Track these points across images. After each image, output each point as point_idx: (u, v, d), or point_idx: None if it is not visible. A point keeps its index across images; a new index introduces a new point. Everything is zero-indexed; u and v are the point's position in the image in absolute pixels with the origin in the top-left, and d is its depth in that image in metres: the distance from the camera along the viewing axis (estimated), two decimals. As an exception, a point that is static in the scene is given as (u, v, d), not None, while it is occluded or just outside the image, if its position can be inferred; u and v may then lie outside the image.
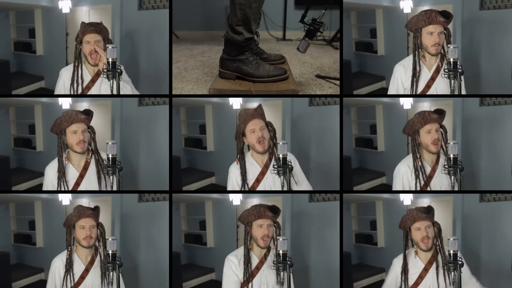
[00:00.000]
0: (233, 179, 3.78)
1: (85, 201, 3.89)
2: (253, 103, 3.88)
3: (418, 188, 3.76)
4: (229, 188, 3.81)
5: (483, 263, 3.97)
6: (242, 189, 3.77)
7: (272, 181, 3.76)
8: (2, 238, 4.12)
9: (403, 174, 3.77)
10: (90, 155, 3.77)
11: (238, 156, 3.76)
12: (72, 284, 3.70)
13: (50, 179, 3.79)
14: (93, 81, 3.84)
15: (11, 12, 4.14)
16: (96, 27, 3.81)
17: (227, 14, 4.07)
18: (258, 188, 3.77)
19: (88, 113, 3.78)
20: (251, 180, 3.77)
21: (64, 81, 3.85)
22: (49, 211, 4.07)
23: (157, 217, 3.97)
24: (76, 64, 3.83)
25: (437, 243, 3.70)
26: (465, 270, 3.72)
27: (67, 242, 3.73)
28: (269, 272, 3.71)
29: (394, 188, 3.82)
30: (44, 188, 3.82)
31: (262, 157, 3.77)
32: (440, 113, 3.74)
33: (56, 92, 3.88)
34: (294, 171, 3.77)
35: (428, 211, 3.69)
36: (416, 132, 3.73)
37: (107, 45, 3.78)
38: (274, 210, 3.70)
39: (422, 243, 3.69)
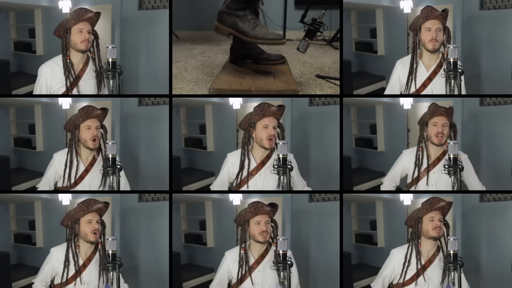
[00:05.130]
0: (228, 167, 3.79)
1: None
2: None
3: (411, 178, 3.80)
4: (220, 174, 3.81)
5: (483, 263, 3.96)
6: (236, 180, 3.75)
7: (265, 180, 3.75)
8: (2, 238, 4.12)
9: (404, 158, 3.84)
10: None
11: (244, 145, 3.75)
12: (68, 278, 3.69)
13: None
14: (82, 70, 3.81)
15: (11, 12, 4.14)
16: (93, 17, 3.77)
17: None
18: (249, 183, 3.76)
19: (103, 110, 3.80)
20: (244, 173, 3.76)
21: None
22: (49, 211, 4.07)
23: (157, 217, 3.97)
24: (67, 54, 3.78)
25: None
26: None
27: (68, 236, 3.70)
28: (265, 273, 3.70)
29: (390, 169, 3.86)
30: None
31: (261, 153, 3.76)
32: (446, 107, 3.76)
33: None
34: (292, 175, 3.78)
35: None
36: (425, 123, 3.78)
37: (106, 45, 3.78)
38: (271, 205, 3.71)
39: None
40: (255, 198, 3.85)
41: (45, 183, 3.83)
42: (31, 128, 4.17)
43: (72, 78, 3.78)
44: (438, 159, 3.77)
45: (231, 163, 3.79)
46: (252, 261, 3.70)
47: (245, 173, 3.75)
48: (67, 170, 3.78)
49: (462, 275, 3.72)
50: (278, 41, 4.00)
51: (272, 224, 3.71)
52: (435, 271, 3.70)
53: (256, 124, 3.73)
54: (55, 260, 3.72)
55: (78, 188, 3.82)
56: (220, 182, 3.82)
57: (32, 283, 3.82)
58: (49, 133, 4.13)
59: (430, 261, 3.71)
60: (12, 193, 4.04)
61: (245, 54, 4.22)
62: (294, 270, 3.73)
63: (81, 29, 3.75)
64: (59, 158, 3.81)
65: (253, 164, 3.76)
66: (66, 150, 3.81)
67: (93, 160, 3.79)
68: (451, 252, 3.69)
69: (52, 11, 4.05)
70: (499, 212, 3.95)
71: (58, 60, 3.82)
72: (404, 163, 3.84)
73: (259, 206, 3.68)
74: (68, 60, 3.78)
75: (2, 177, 4.02)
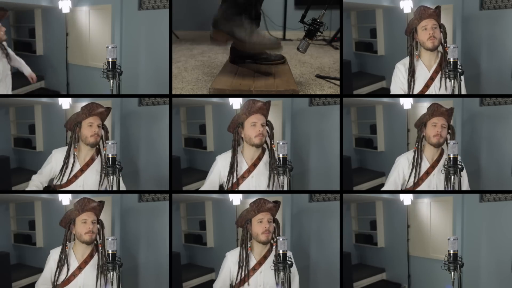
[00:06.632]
0: (218, 169, 3.74)
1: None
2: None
3: (412, 181, 3.75)
4: (209, 177, 3.75)
5: (483, 264, 3.96)
6: (227, 183, 3.72)
7: (257, 181, 3.73)
8: (2, 238, 4.12)
9: (400, 165, 3.76)
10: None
11: (233, 147, 3.71)
12: (62, 280, 3.66)
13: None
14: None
15: (11, 12, 4.14)
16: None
17: None
18: (242, 186, 3.73)
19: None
20: (234, 176, 3.73)
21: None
22: (49, 211, 4.07)
23: (157, 217, 3.97)
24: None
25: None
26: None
27: (65, 238, 3.65)
28: (266, 274, 3.67)
29: (387, 177, 3.81)
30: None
31: (252, 154, 3.72)
32: (447, 107, 3.73)
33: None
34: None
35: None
36: (423, 124, 3.73)
37: (106, 45, 3.78)
38: (274, 202, 3.68)
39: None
40: (255, 199, 3.85)
41: (40, 178, 3.79)
42: (31, 128, 4.17)
43: None
44: (437, 161, 3.75)
45: (224, 164, 3.75)
46: (253, 262, 3.68)
47: (235, 176, 3.72)
48: (64, 168, 3.76)
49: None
50: (274, 46, 3.98)
51: (274, 224, 3.67)
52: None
53: (244, 124, 3.69)
54: (52, 264, 3.70)
55: (71, 187, 3.79)
56: (210, 186, 3.77)
57: (33, 283, 3.83)
58: (49, 133, 4.13)
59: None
60: (12, 193, 4.04)
61: (245, 54, 4.22)
62: (294, 270, 3.70)
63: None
64: (58, 156, 3.78)
65: (245, 166, 3.74)
66: (66, 148, 3.79)
67: (90, 161, 3.77)
68: (451, 252, 3.68)
69: (52, 11, 4.06)
70: (499, 212, 3.95)
71: None
72: (400, 170, 3.76)
73: (262, 203, 3.64)
74: None
75: (2, 177, 4.02)
